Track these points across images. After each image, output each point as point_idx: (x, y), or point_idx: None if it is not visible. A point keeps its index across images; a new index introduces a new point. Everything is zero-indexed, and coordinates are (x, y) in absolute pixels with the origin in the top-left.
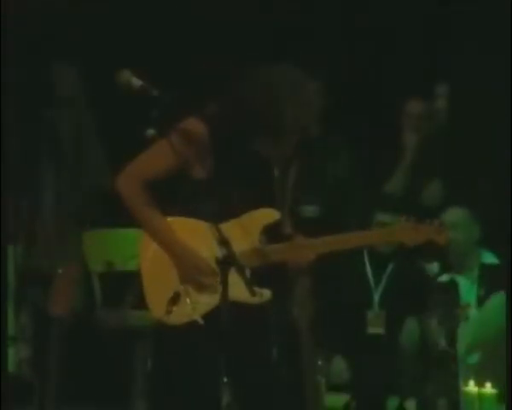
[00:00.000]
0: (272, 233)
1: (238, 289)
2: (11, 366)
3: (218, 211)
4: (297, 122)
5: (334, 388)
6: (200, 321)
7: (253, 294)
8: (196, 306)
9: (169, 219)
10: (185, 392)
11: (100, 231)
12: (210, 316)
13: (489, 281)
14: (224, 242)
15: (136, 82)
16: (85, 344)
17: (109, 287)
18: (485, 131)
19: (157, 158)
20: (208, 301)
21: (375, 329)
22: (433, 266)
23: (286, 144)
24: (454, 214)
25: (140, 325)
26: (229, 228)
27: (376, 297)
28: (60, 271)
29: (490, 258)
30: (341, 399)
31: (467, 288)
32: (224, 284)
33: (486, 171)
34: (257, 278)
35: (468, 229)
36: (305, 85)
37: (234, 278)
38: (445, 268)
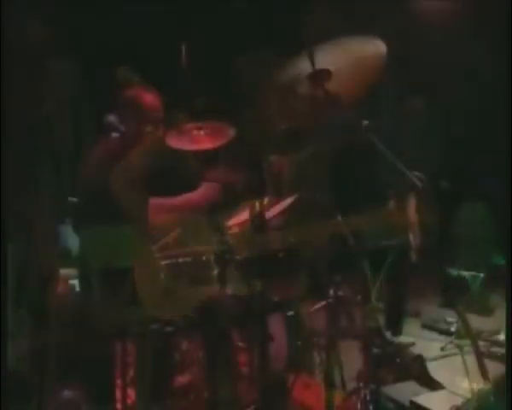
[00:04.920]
0: (262, 223)
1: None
2: (10, 364)
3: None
4: (282, 112)
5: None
6: (192, 315)
7: (252, 290)
8: (188, 300)
9: (166, 215)
10: (183, 390)
11: (99, 230)
12: (206, 312)
13: (494, 281)
14: (222, 238)
15: (135, 80)
16: (84, 343)
17: (108, 285)
18: (485, 131)
19: (147, 153)
20: (200, 294)
21: (371, 322)
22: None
23: (273, 134)
24: (471, 210)
25: (138, 324)
26: (221, 221)
27: (374, 292)
28: (59, 271)
29: (499, 259)
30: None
31: (473, 285)
32: (223, 279)
33: (486, 171)
34: (249, 268)
35: (484, 226)
36: (288, 75)
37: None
38: (451, 264)
